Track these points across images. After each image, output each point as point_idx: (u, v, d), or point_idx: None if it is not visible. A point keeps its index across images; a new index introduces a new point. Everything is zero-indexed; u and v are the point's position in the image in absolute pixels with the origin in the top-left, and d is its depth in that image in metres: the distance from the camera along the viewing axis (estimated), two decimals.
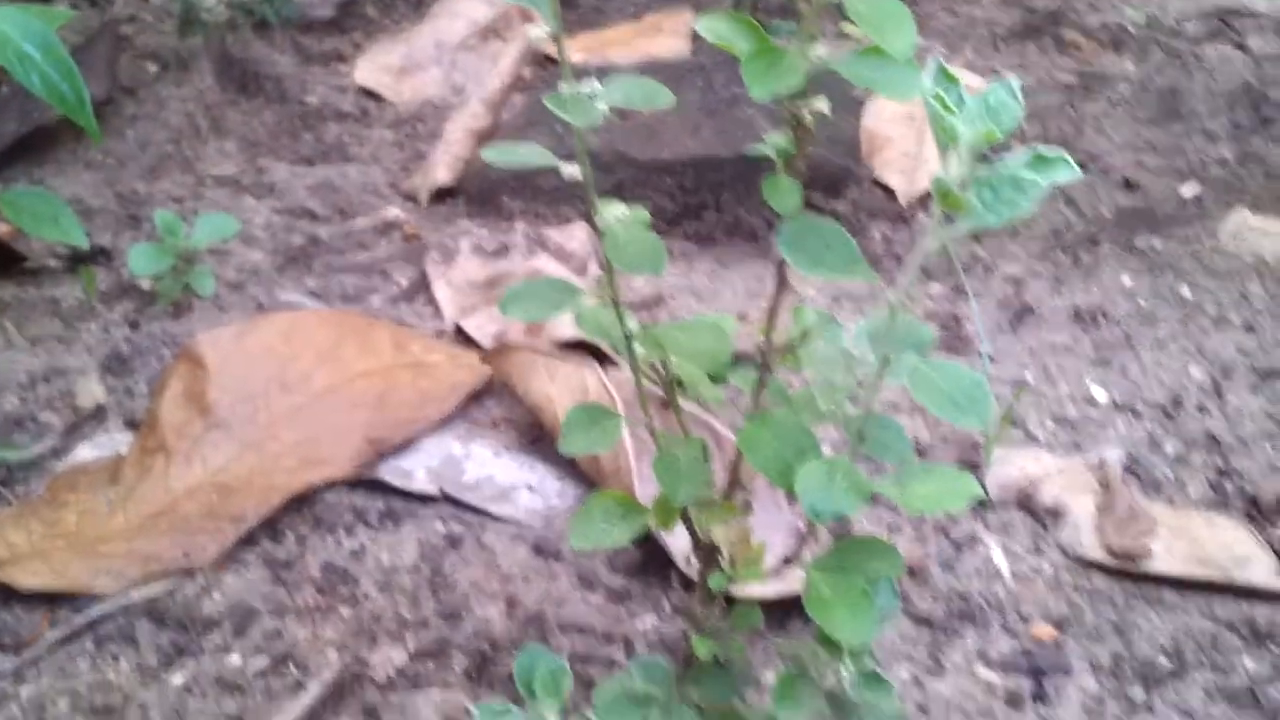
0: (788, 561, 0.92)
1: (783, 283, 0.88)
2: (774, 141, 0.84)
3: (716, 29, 0.81)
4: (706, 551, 0.93)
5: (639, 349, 0.92)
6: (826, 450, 0.87)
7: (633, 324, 0.91)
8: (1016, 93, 0.76)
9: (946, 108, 0.74)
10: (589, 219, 0.89)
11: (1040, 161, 0.75)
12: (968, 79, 2.00)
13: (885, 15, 0.74)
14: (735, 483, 0.94)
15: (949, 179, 0.74)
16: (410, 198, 1.79)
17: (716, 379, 0.93)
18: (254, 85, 1.95)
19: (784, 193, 0.82)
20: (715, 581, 0.91)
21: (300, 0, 2.09)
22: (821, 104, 0.82)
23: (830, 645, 0.86)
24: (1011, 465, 1.35)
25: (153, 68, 1.95)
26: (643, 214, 0.89)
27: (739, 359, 0.95)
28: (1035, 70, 2.04)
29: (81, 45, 1.92)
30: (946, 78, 0.75)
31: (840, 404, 0.87)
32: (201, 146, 1.83)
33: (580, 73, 2.01)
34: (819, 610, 0.83)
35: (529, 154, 0.88)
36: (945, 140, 0.74)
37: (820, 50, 0.79)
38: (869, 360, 0.82)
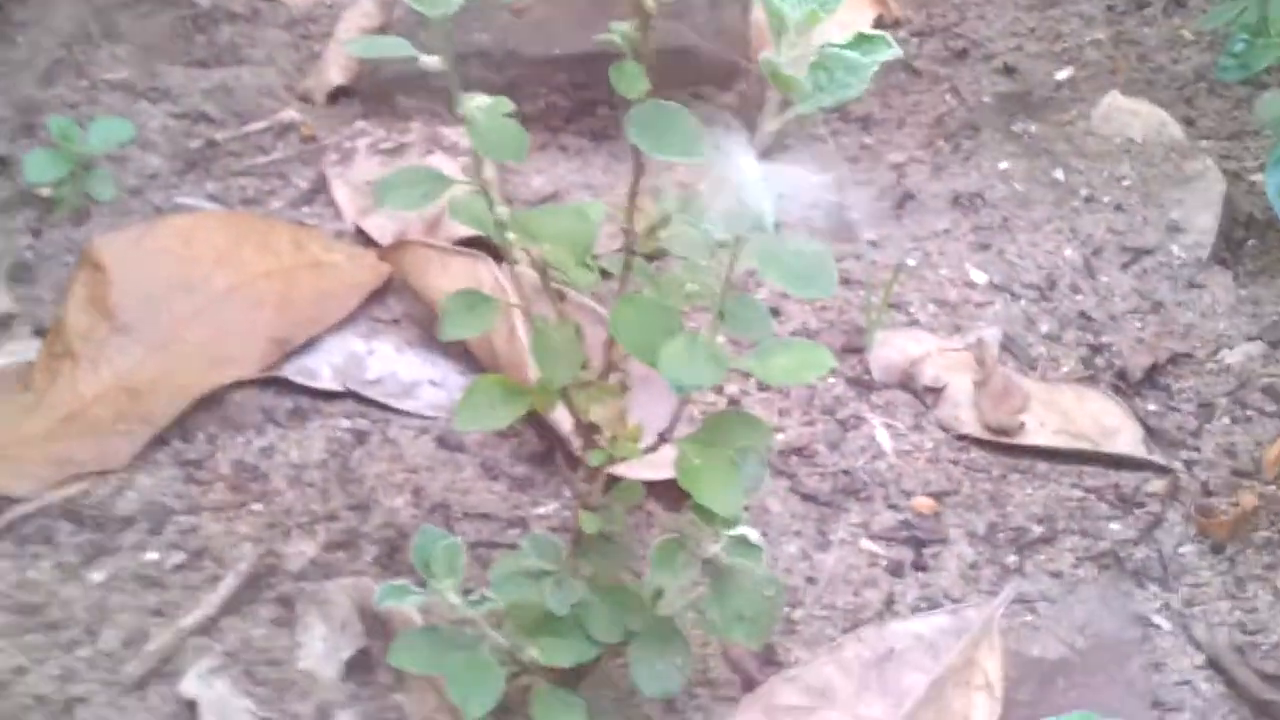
0: (661, 438, 0.97)
1: (639, 167, 0.93)
2: (618, 29, 0.88)
3: None
4: (586, 430, 0.98)
5: (510, 235, 0.96)
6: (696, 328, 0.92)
7: (503, 211, 0.95)
8: None
9: None
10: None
11: (865, 41, 0.80)
12: None
13: None
14: (611, 364, 1.00)
15: (778, 60, 0.78)
16: (306, 99, 1.80)
17: (588, 263, 0.97)
18: None
19: (630, 78, 0.87)
20: (594, 458, 0.96)
21: None
22: None
23: (704, 514, 0.92)
24: (893, 347, 1.41)
25: None
26: (505, 103, 0.93)
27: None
28: None
29: None
30: None
31: (706, 284, 0.92)
32: (94, 51, 1.82)
33: None
34: (689, 480, 0.89)
35: (389, 45, 0.92)
36: (775, 24, 0.79)
37: None
38: (727, 239, 0.87)
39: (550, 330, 0.97)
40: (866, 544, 1.23)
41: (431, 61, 0.90)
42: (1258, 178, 1.58)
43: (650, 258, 1.00)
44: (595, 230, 0.97)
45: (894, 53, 0.80)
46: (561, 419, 1.13)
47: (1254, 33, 1.48)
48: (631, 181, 0.94)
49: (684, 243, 0.95)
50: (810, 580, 1.19)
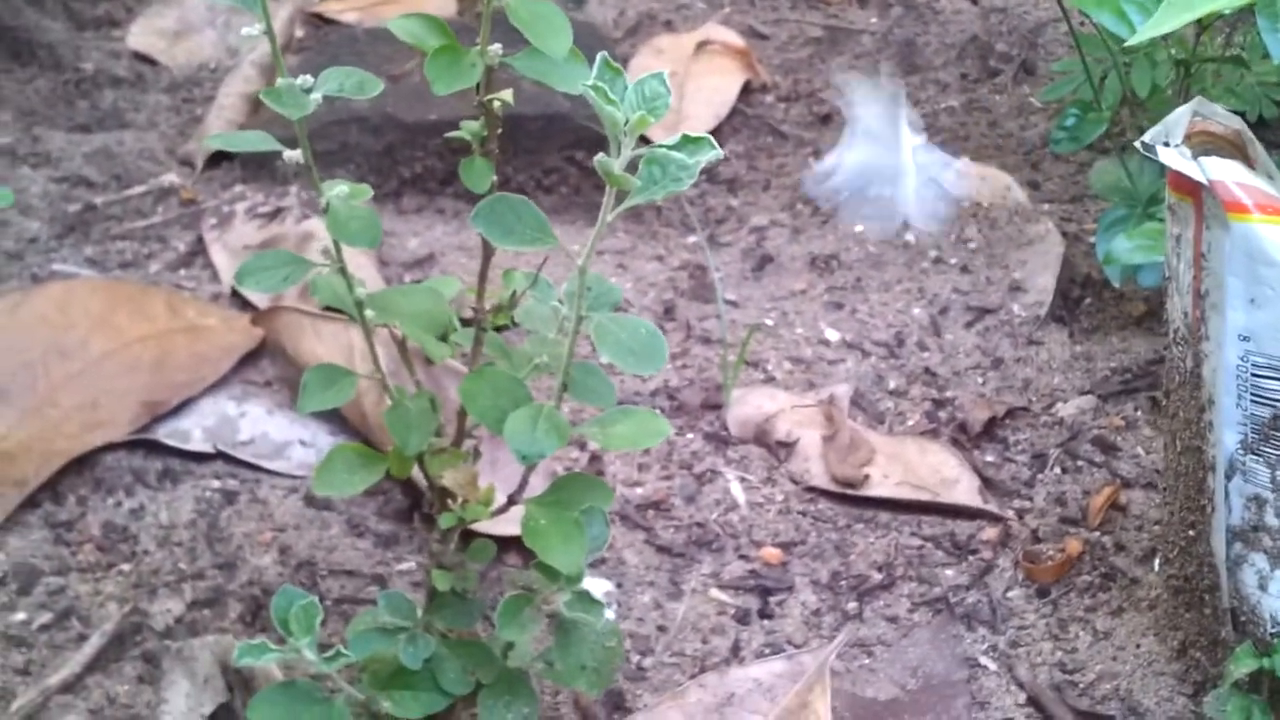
0: (511, 500, 1.03)
1: (488, 252, 0.99)
2: (468, 128, 0.95)
3: (408, 28, 0.91)
4: (439, 494, 1.04)
5: (369, 313, 1.02)
6: (545, 398, 0.98)
7: (360, 291, 1.01)
8: (666, 82, 0.87)
9: (608, 99, 0.84)
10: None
11: (690, 143, 0.86)
12: (725, 34, 2.12)
13: (544, 21, 0.86)
14: (463, 431, 1.05)
15: (611, 162, 0.85)
16: (187, 163, 1.85)
17: (445, 337, 1.03)
18: (27, 53, 1.97)
19: (478, 174, 0.94)
20: (445, 520, 1.02)
21: None
22: (506, 95, 0.93)
23: (549, 571, 0.97)
24: (749, 404, 1.48)
25: None
26: (363, 189, 0.99)
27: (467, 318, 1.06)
28: (787, 24, 2.17)
29: None
30: (610, 70, 0.86)
31: (554, 356, 0.98)
32: None
33: (351, 33, 2.06)
34: (535, 540, 0.95)
35: (252, 139, 0.98)
36: (610, 128, 0.85)
37: (498, 47, 0.90)
38: (570, 316, 0.94)
39: (406, 400, 1.02)
40: (716, 593, 1.29)
41: (293, 155, 0.95)
42: (1095, 239, 1.66)
43: (500, 329, 1.07)
44: (449, 308, 1.03)
45: (716, 155, 0.87)
46: (421, 479, 1.19)
47: (1084, 108, 1.57)
48: (482, 263, 1.01)
49: (533, 317, 1.01)
50: (661, 629, 1.25)
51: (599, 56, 0.88)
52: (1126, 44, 1.07)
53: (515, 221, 0.92)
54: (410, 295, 1.05)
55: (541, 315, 1.02)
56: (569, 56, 0.91)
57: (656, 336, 0.93)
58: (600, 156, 0.86)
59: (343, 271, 1.01)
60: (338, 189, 0.98)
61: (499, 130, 0.97)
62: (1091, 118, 1.55)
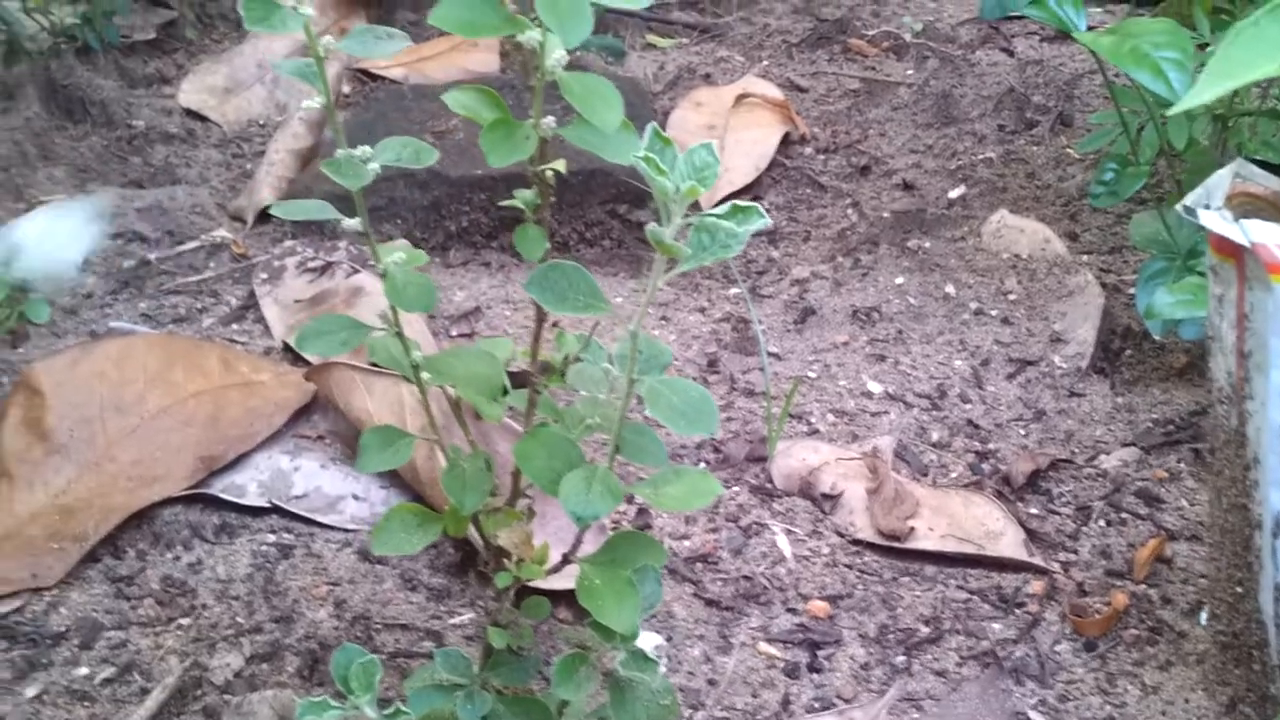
0: (565, 559, 1.05)
1: (541, 316, 1.02)
2: (522, 196, 0.97)
3: (463, 101, 0.94)
4: (495, 553, 1.06)
5: (425, 375, 1.04)
6: (599, 458, 1.00)
7: (417, 354, 1.03)
8: (714, 152, 0.89)
9: (658, 170, 0.87)
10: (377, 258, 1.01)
11: (740, 212, 0.88)
12: (764, 87, 2.15)
13: (596, 95, 0.89)
14: (517, 490, 1.07)
15: (663, 231, 0.87)
16: (237, 218, 1.88)
17: (498, 399, 1.05)
18: (80, 111, 2.02)
19: (532, 242, 0.96)
20: (501, 579, 1.04)
21: (121, 23, 2.15)
22: (559, 165, 0.95)
23: (603, 630, 0.99)
24: (794, 457, 1.50)
25: None
26: (419, 255, 1.01)
27: (519, 377, 1.09)
28: (825, 77, 2.20)
29: None
30: (660, 140, 0.88)
31: (606, 416, 1.00)
32: (31, 174, 1.90)
33: (398, 90, 2.10)
34: (589, 599, 0.96)
35: (313, 209, 1.00)
36: (661, 197, 0.87)
37: (550, 121, 0.92)
38: (621, 379, 0.96)
39: (461, 461, 1.04)
40: (765, 646, 1.31)
41: (352, 224, 0.98)
42: (1135, 290, 1.68)
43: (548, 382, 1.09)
44: (503, 370, 1.05)
45: (764, 223, 0.89)
46: (476, 535, 1.21)
47: (1122, 162, 1.58)
48: (534, 327, 1.03)
49: (584, 378, 1.03)
50: (711, 682, 1.27)
51: (649, 127, 0.91)
52: (1170, 111, 1.08)
53: (568, 288, 0.94)
54: (464, 358, 1.07)
55: (592, 376, 1.04)
56: (620, 128, 0.93)
57: (707, 400, 0.95)
58: (651, 226, 0.89)
59: (399, 336, 1.03)
60: (394, 255, 1.00)
61: (551, 198, 1.00)
62: (1130, 172, 1.56)
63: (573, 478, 0.95)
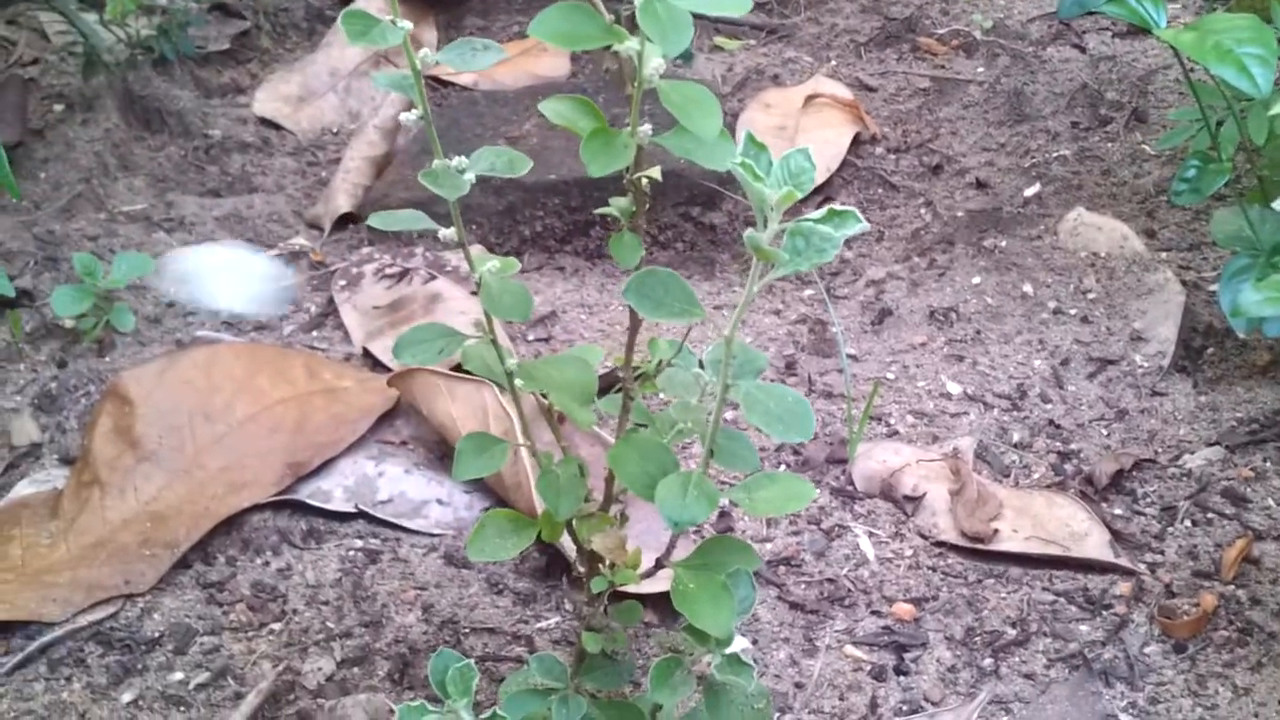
0: (659, 564, 1.05)
1: (635, 323, 1.02)
2: (617, 204, 0.98)
3: (560, 111, 0.94)
4: (589, 557, 1.07)
5: (518, 382, 1.05)
6: (692, 463, 1.00)
7: (510, 361, 1.04)
8: (810, 157, 0.89)
9: (755, 175, 0.87)
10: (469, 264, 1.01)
11: (836, 216, 0.88)
12: (833, 87, 2.14)
13: (695, 104, 0.89)
14: (611, 496, 1.08)
15: (760, 236, 0.87)
16: (314, 225, 1.90)
17: (590, 404, 1.06)
18: (158, 121, 2.04)
19: (627, 249, 0.97)
20: (596, 584, 1.04)
21: (196, 34, 2.18)
22: (655, 172, 0.96)
23: (698, 634, 0.99)
24: (874, 458, 1.50)
25: (59, 109, 2.04)
26: (512, 263, 1.02)
27: (613, 380, 1.09)
28: (894, 76, 2.19)
29: None
30: (755, 146, 0.89)
31: (698, 422, 1.00)
32: (112, 184, 1.92)
33: (470, 95, 2.11)
34: (684, 604, 0.97)
35: (408, 219, 1.01)
36: (757, 202, 0.87)
37: (647, 128, 0.93)
38: (715, 384, 0.96)
39: (555, 467, 1.05)
40: (851, 650, 1.31)
41: (449, 234, 0.99)
42: (1215, 287, 1.66)
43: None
44: (594, 379, 1.06)
45: (862, 227, 0.89)
46: (570, 544, 1.21)
47: (1204, 159, 1.57)
48: (629, 334, 1.04)
49: (674, 384, 1.04)
50: (799, 685, 1.27)
51: (744, 134, 0.91)
52: (1269, 112, 1.07)
53: (664, 295, 0.94)
54: (558, 365, 1.07)
55: (683, 381, 1.04)
56: (717, 137, 0.93)
57: (803, 404, 0.95)
58: (750, 232, 0.89)
59: (494, 344, 1.04)
60: (490, 263, 1.01)
61: (646, 206, 1.00)
62: (1213, 169, 1.55)
63: (668, 483, 0.95)
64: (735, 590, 1.02)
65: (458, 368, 1.54)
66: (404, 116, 0.98)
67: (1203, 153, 1.57)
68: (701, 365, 1.01)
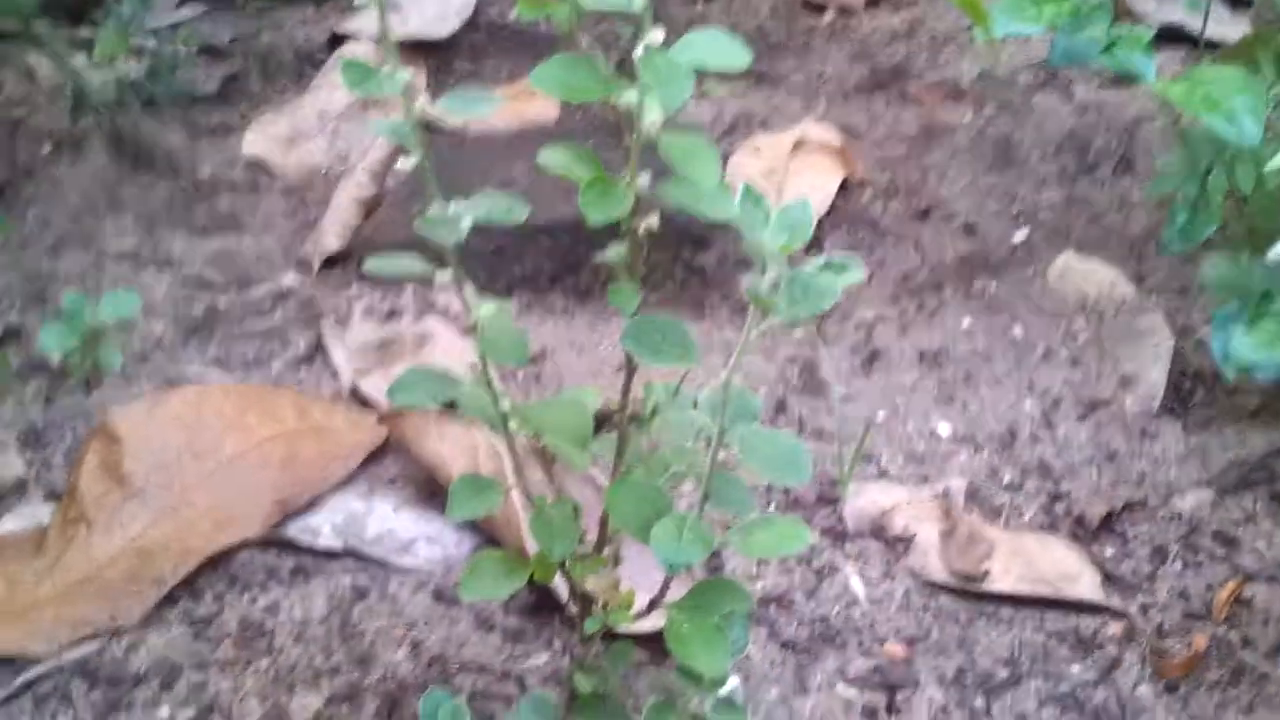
0: (652, 604, 1.05)
1: (631, 369, 1.03)
2: (615, 251, 0.98)
3: (557, 159, 0.95)
4: (582, 598, 1.06)
5: (513, 424, 1.05)
6: (684, 504, 1.00)
7: (506, 403, 1.04)
8: (808, 210, 0.90)
9: (753, 226, 0.88)
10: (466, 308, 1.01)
11: (835, 267, 0.89)
12: (821, 133, 2.15)
13: (693, 154, 0.90)
14: (605, 537, 1.08)
15: (758, 285, 0.87)
16: (304, 264, 1.90)
17: (586, 447, 1.06)
18: (146, 161, 2.04)
19: (625, 296, 0.97)
20: (589, 625, 1.04)
21: (185, 76, 2.18)
22: (653, 220, 0.96)
23: (691, 676, 0.99)
24: (865, 498, 1.49)
25: (47, 148, 2.04)
26: (508, 308, 1.02)
27: (604, 420, 1.09)
28: (882, 122, 2.20)
29: None
30: (753, 198, 0.89)
31: (692, 465, 1.00)
32: (100, 223, 1.92)
33: (458, 139, 2.11)
34: (678, 645, 0.97)
35: (405, 265, 1.01)
36: (756, 252, 0.88)
37: (645, 179, 0.93)
38: (710, 428, 0.96)
39: (548, 508, 1.05)
40: (843, 689, 1.30)
41: (444, 277, 0.99)
42: (1204, 330, 1.67)
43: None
44: (589, 422, 1.06)
45: (859, 277, 0.90)
46: (560, 583, 1.21)
47: (1193, 207, 1.58)
48: (625, 380, 1.04)
49: (671, 427, 1.04)
50: None
51: (741, 185, 0.92)
52: (1266, 167, 1.08)
53: (661, 341, 0.95)
54: (554, 408, 1.08)
55: (678, 424, 1.05)
56: (716, 188, 0.93)
57: (799, 449, 0.95)
58: (748, 282, 0.89)
59: (489, 387, 1.04)
60: (486, 306, 1.01)
61: (643, 253, 1.00)
62: (1203, 217, 1.56)
63: (664, 525, 0.95)
64: (729, 632, 1.02)
65: (448, 406, 1.54)
66: (402, 163, 0.98)
67: (1192, 201, 1.58)
68: (696, 407, 1.01)
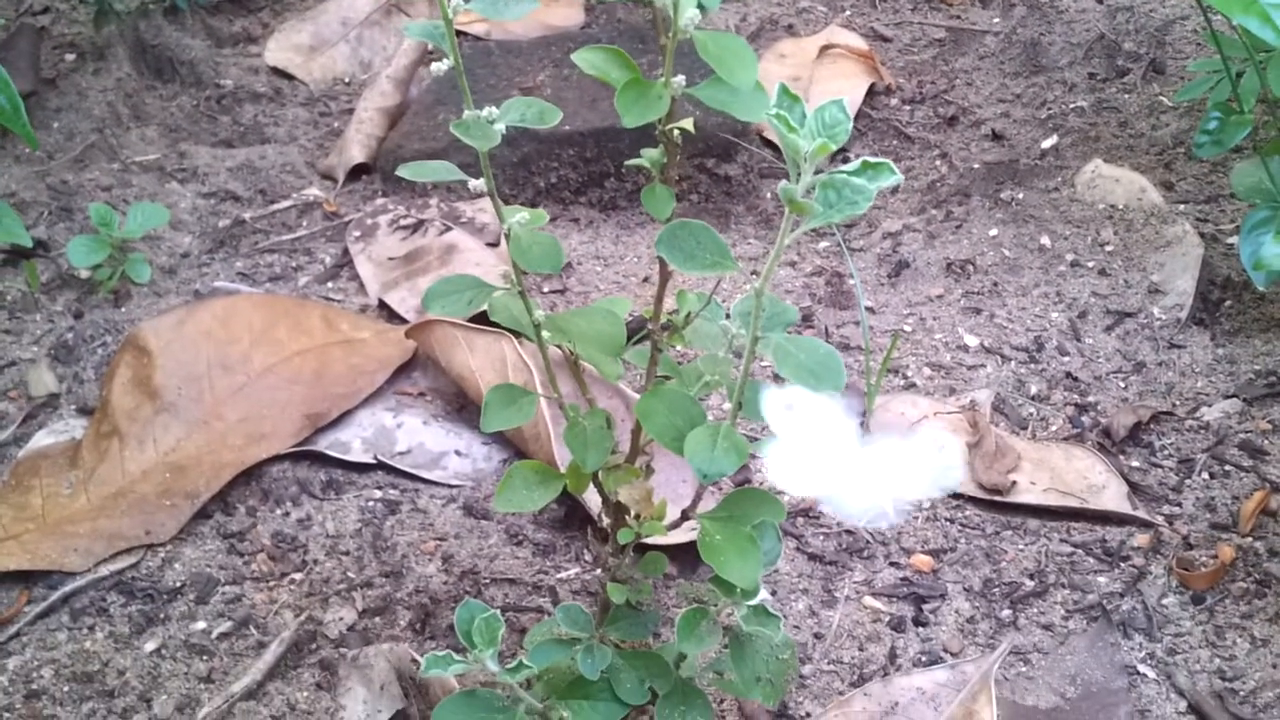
0: (684, 515, 1.05)
1: (665, 275, 1.02)
2: (649, 156, 0.97)
3: (593, 61, 0.94)
4: (615, 509, 1.07)
5: (546, 334, 1.05)
6: (716, 414, 1.00)
7: (539, 313, 1.04)
8: (845, 109, 0.88)
9: (790, 127, 0.86)
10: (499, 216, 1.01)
11: (869, 168, 0.87)
12: (847, 38, 2.13)
13: (731, 54, 0.88)
14: (637, 448, 1.08)
15: (794, 188, 0.86)
16: (328, 176, 1.90)
17: (618, 356, 1.05)
18: (169, 71, 2.03)
19: (660, 201, 0.96)
20: (623, 536, 1.05)
21: None
22: (687, 124, 0.95)
23: (724, 585, 1.00)
24: (892, 411, 1.50)
25: (70, 58, 2.03)
26: (540, 214, 1.02)
27: (636, 331, 1.09)
28: (909, 26, 2.18)
29: (4, 42, 2.00)
30: (789, 98, 0.88)
31: (724, 374, 1.00)
32: (124, 134, 1.92)
33: (484, 46, 2.09)
34: (711, 555, 0.97)
35: (440, 170, 1.01)
36: (791, 154, 0.87)
37: (680, 80, 0.92)
38: (743, 336, 0.95)
39: (582, 419, 1.05)
40: (870, 601, 1.31)
41: (478, 185, 0.98)
42: (1234, 240, 1.66)
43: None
44: (622, 331, 1.05)
45: (896, 179, 0.88)
46: (593, 494, 1.21)
47: (1225, 110, 1.56)
48: (659, 287, 1.03)
49: (701, 336, 1.04)
50: (818, 636, 1.27)
51: (778, 85, 0.90)
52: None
53: (696, 247, 0.94)
54: (587, 317, 1.07)
55: (710, 334, 1.04)
56: (753, 88, 0.92)
57: (834, 356, 0.94)
58: (784, 184, 0.88)
59: (522, 295, 1.04)
60: (519, 214, 1.01)
61: (678, 158, 0.99)
62: (1234, 120, 1.54)
63: (697, 435, 0.95)
64: (761, 542, 1.02)
65: (475, 319, 1.54)
66: (434, 67, 0.97)
67: (1223, 104, 1.56)
68: (728, 317, 1.00)
